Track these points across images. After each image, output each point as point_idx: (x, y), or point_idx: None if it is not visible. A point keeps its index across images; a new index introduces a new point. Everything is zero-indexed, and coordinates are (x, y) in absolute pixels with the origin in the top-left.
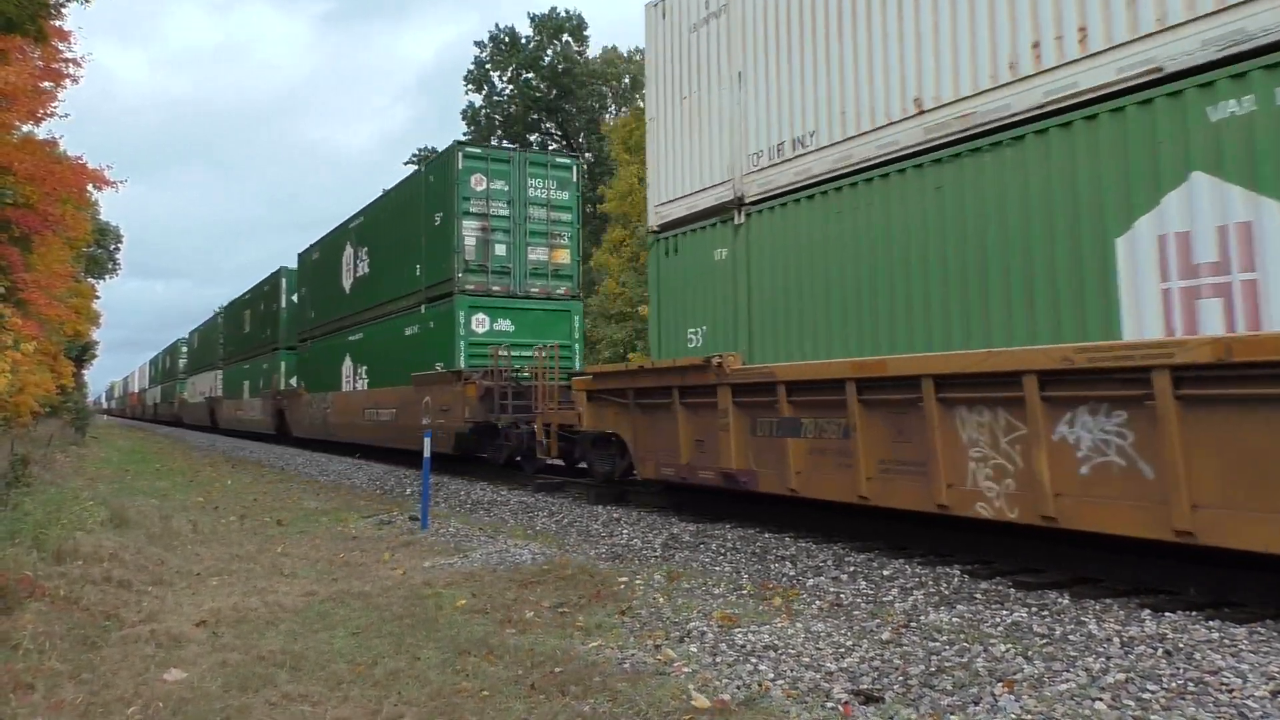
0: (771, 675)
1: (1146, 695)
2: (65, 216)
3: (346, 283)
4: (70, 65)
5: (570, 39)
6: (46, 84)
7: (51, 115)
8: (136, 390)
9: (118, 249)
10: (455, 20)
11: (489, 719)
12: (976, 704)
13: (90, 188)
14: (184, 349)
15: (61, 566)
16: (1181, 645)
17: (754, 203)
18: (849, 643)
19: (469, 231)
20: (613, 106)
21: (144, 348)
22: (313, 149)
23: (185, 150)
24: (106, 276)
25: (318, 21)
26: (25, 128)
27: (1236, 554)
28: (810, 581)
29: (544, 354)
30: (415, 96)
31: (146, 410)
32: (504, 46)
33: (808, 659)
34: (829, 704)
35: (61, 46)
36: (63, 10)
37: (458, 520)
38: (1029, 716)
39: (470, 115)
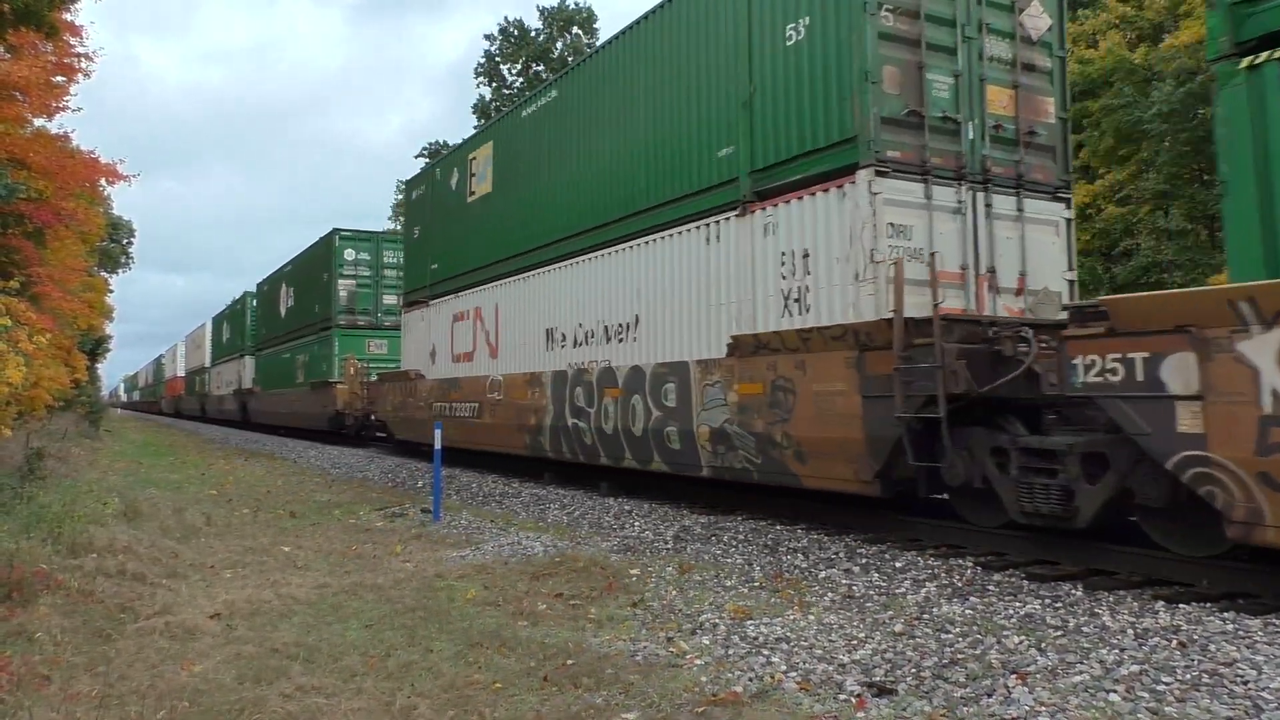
0: (784, 667)
1: (1161, 687)
2: (78, 211)
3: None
4: (82, 60)
5: (580, 31)
6: (58, 78)
7: (64, 109)
8: (180, 373)
9: (130, 243)
10: (494, 11)
11: (502, 711)
12: (990, 696)
13: (103, 182)
14: (341, 269)
15: (76, 559)
16: (1196, 637)
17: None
18: (862, 635)
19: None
20: None
21: (162, 341)
22: (340, 141)
23: (214, 144)
24: (119, 271)
25: (352, 13)
26: (38, 122)
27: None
28: (822, 574)
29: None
30: (445, 88)
31: (210, 404)
32: (513, 39)
33: (820, 651)
34: (842, 696)
35: (73, 41)
36: (75, 6)
37: (469, 512)
38: (1043, 708)
39: (481, 108)
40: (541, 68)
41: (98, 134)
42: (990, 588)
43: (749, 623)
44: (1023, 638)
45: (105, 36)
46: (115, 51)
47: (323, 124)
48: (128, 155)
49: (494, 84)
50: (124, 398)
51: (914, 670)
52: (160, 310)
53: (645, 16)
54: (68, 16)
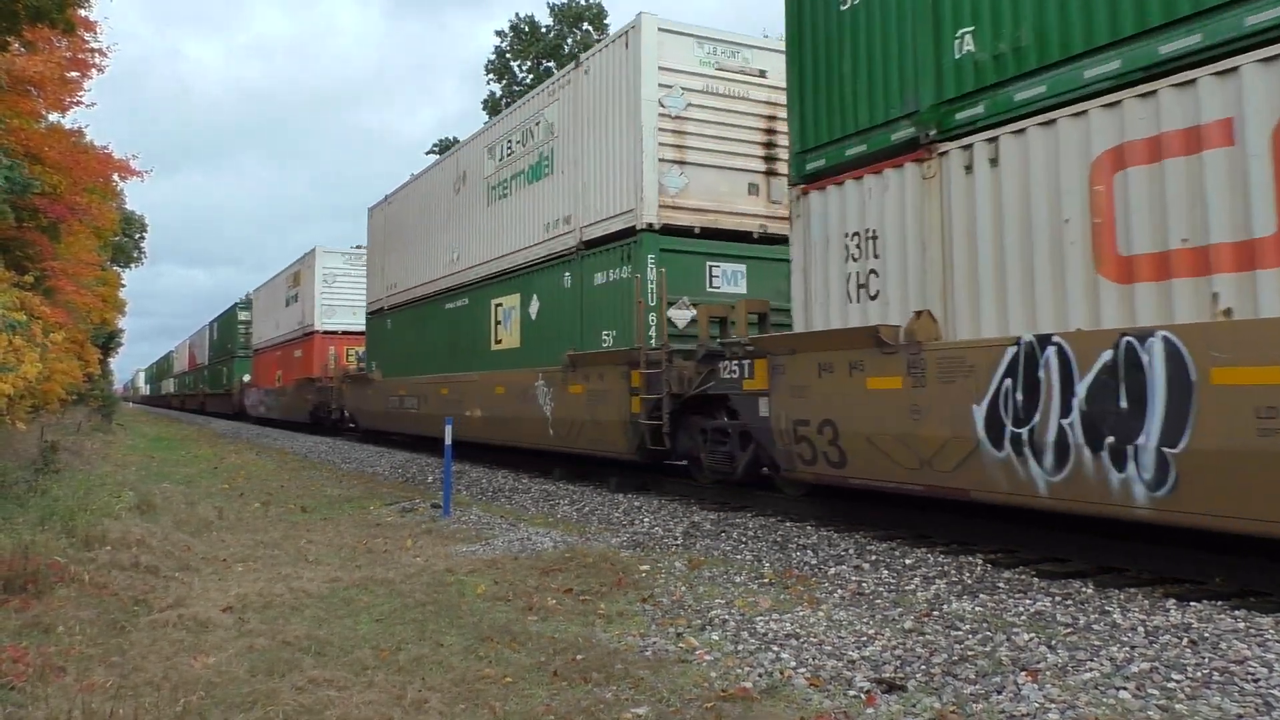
0: (794, 664)
1: (1171, 684)
2: (91, 206)
3: None
4: (96, 55)
5: (590, 27)
6: (73, 73)
7: (78, 104)
8: (319, 324)
9: (143, 238)
10: (532, 4)
11: (512, 705)
12: (1000, 693)
13: (115, 177)
14: None
15: (91, 552)
16: (1207, 635)
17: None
18: (871, 631)
19: None
20: None
21: (179, 334)
22: (371, 135)
23: (246, 138)
24: (132, 265)
25: (392, 7)
26: (52, 116)
27: (1264, 543)
28: (832, 570)
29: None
30: (478, 81)
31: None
32: (524, 35)
33: (830, 647)
34: (851, 692)
35: (88, 36)
36: (89, 0)
37: (479, 508)
38: (1053, 705)
39: (491, 105)
40: (552, 64)
41: (133, 128)
42: (1000, 585)
43: (759, 619)
44: (1033, 635)
45: (146, 30)
46: (158, 46)
47: (354, 118)
48: (163, 150)
49: (504, 80)
50: (144, 390)
51: (924, 667)
52: (180, 304)
53: (220, 315)
54: (82, 12)
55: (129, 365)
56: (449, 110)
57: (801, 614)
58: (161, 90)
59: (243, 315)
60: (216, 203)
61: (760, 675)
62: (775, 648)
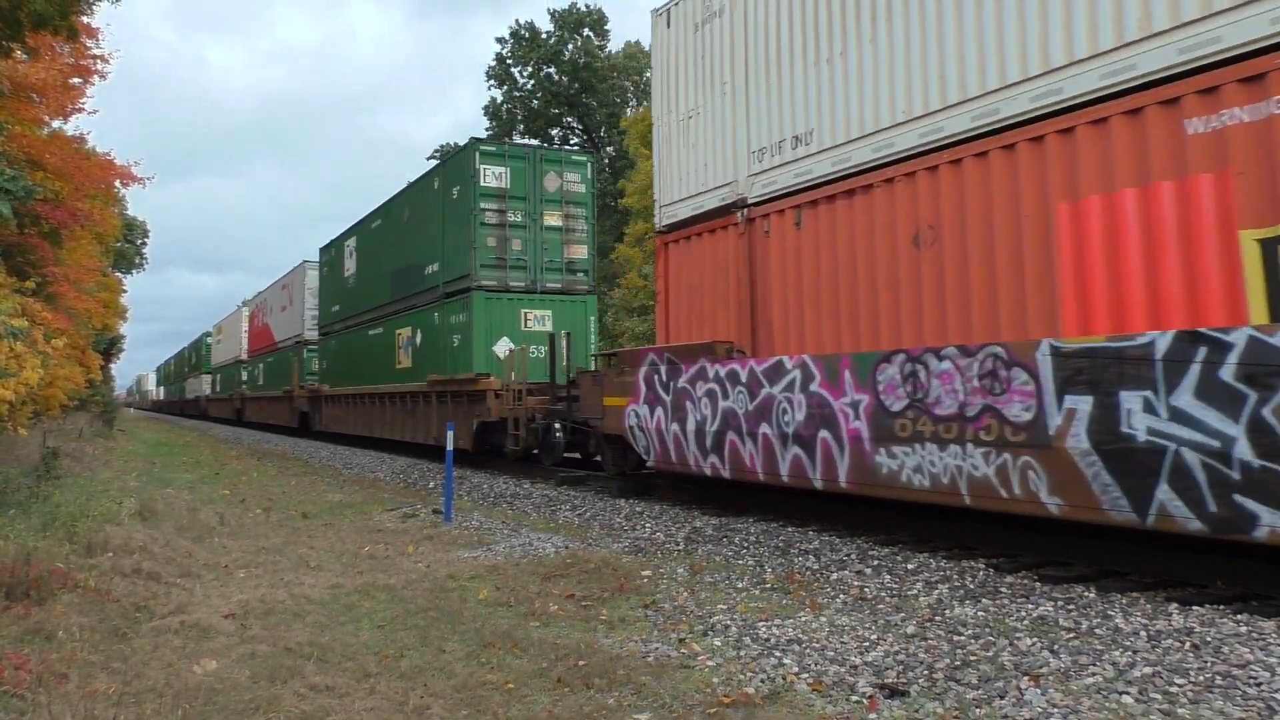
0: (796, 669)
1: (1174, 689)
2: (93, 211)
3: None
4: (98, 61)
5: (591, 33)
6: (75, 80)
7: (80, 111)
8: None
9: (144, 244)
10: (556, 4)
11: (514, 711)
12: (1002, 697)
13: (117, 183)
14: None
15: (93, 558)
16: (1209, 639)
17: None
18: (874, 636)
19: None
20: (634, 100)
21: (186, 340)
22: (386, 139)
23: (261, 142)
24: (134, 271)
25: (415, 11)
26: (55, 123)
27: (1266, 548)
28: (834, 575)
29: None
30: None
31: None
32: (525, 41)
33: (832, 652)
34: (854, 697)
35: (89, 43)
36: (93, 7)
37: (481, 513)
38: (1055, 710)
39: (492, 110)
40: (553, 69)
41: (151, 133)
42: (1002, 590)
43: (761, 624)
44: (1035, 639)
45: (169, 36)
46: (181, 52)
47: (369, 122)
48: (179, 155)
49: (505, 86)
50: (155, 393)
51: (926, 672)
52: (188, 308)
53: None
54: (85, 19)
55: (131, 371)
56: (464, 114)
57: (804, 619)
58: (181, 94)
59: (491, 176)
60: (229, 206)
61: (763, 680)
62: (778, 653)
